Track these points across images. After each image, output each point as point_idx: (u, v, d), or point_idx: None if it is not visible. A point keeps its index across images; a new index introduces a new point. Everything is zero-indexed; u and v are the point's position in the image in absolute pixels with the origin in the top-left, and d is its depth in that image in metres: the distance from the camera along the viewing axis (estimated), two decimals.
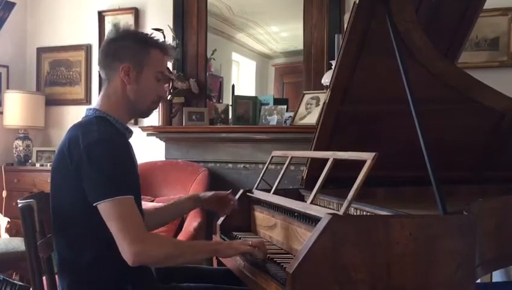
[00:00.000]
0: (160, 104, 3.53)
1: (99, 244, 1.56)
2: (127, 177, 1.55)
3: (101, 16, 4.11)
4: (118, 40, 1.68)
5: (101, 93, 1.70)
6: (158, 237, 1.67)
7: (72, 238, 1.58)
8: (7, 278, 2.51)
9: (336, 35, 3.21)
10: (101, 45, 1.70)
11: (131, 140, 1.71)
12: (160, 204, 2.25)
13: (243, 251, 1.63)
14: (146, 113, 1.77)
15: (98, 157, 1.49)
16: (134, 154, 1.67)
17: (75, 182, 1.52)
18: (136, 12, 4.02)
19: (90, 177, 1.49)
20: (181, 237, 3.05)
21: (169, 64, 3.69)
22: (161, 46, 1.71)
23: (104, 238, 1.54)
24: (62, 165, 1.57)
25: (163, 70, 1.73)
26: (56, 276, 1.66)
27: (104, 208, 1.48)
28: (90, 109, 1.67)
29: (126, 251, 1.46)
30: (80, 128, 1.59)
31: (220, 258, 2.00)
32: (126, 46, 1.66)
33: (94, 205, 1.49)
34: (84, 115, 1.68)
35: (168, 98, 3.61)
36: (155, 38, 1.72)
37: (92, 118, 1.63)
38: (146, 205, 2.44)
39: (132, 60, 1.64)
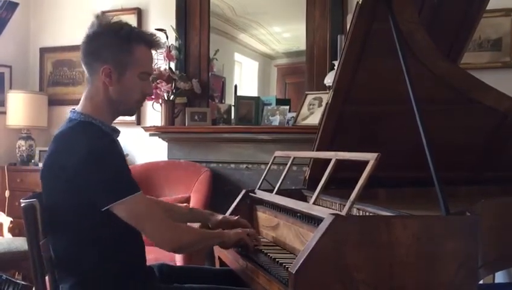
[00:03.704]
0: (162, 105, 3.59)
1: (103, 245, 1.56)
2: (130, 176, 1.55)
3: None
4: (99, 37, 1.59)
5: (84, 93, 1.64)
6: (181, 224, 1.71)
7: (73, 240, 1.57)
8: (10, 278, 2.51)
9: (338, 36, 3.21)
10: None
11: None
12: (177, 205, 2.25)
13: (244, 239, 1.75)
14: (131, 112, 1.72)
15: (98, 166, 1.47)
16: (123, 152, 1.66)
17: (71, 193, 1.50)
18: (139, 13, 4.03)
19: (97, 185, 1.48)
20: None
21: (172, 65, 3.70)
22: (146, 40, 1.62)
23: (107, 239, 1.54)
24: (54, 177, 1.55)
25: (148, 69, 1.65)
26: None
27: (122, 209, 1.48)
28: (74, 112, 1.61)
29: (163, 240, 1.55)
30: (68, 139, 1.56)
31: (223, 259, 2.01)
32: (107, 45, 1.57)
33: (106, 208, 1.47)
34: (67, 118, 1.63)
35: (171, 99, 3.62)
36: (139, 31, 1.63)
37: (76, 124, 1.58)
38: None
39: (113, 61, 1.56)
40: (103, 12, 4.08)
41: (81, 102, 1.64)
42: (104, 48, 1.58)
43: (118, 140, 1.66)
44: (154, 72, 3.52)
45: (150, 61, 1.67)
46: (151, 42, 1.64)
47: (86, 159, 1.47)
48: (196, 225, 2.35)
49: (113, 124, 1.68)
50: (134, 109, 1.71)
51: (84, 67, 1.64)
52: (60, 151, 1.55)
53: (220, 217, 1.96)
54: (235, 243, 1.77)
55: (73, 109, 1.64)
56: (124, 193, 1.48)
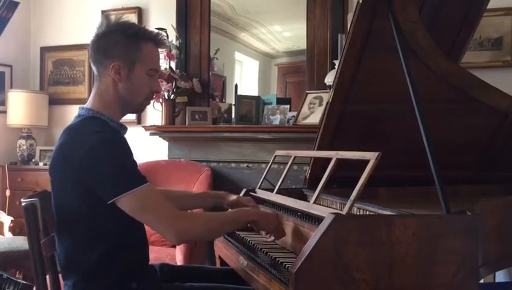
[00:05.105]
0: (163, 104, 3.59)
1: (107, 243, 1.56)
2: (137, 169, 1.55)
3: (104, 15, 4.12)
4: (108, 35, 1.61)
5: (93, 90, 1.66)
6: (193, 214, 1.66)
7: (79, 237, 1.57)
8: (11, 277, 2.52)
9: (339, 34, 3.21)
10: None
11: (131, 137, 1.69)
12: (188, 191, 2.24)
13: (279, 231, 1.73)
14: (140, 109, 1.74)
15: (105, 156, 1.48)
16: None
17: (78, 185, 1.51)
18: (139, 12, 4.03)
19: (103, 176, 1.47)
20: None
21: (173, 64, 3.70)
22: (153, 38, 1.66)
23: (112, 236, 1.55)
24: (61, 169, 1.55)
25: (155, 66, 1.67)
26: (59, 275, 1.66)
27: (129, 200, 1.47)
28: (83, 108, 1.64)
29: (169, 233, 1.50)
30: (76, 131, 1.57)
31: (223, 258, 2.01)
32: (116, 43, 1.60)
33: (112, 201, 1.47)
34: (76, 114, 1.65)
35: (171, 98, 3.62)
36: (146, 30, 1.67)
37: (85, 118, 1.61)
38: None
39: (122, 58, 1.60)
40: (103, 12, 4.10)
41: (89, 99, 1.66)
42: (113, 45, 1.61)
43: (125, 137, 1.66)
44: None
45: (157, 58, 1.71)
46: (158, 40, 1.68)
47: (92, 150, 1.47)
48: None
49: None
50: (143, 106, 1.72)
51: (92, 65, 1.66)
52: (68, 143, 1.55)
53: (234, 197, 1.94)
54: (269, 228, 1.73)
55: (82, 106, 1.66)
56: (132, 184, 1.48)
